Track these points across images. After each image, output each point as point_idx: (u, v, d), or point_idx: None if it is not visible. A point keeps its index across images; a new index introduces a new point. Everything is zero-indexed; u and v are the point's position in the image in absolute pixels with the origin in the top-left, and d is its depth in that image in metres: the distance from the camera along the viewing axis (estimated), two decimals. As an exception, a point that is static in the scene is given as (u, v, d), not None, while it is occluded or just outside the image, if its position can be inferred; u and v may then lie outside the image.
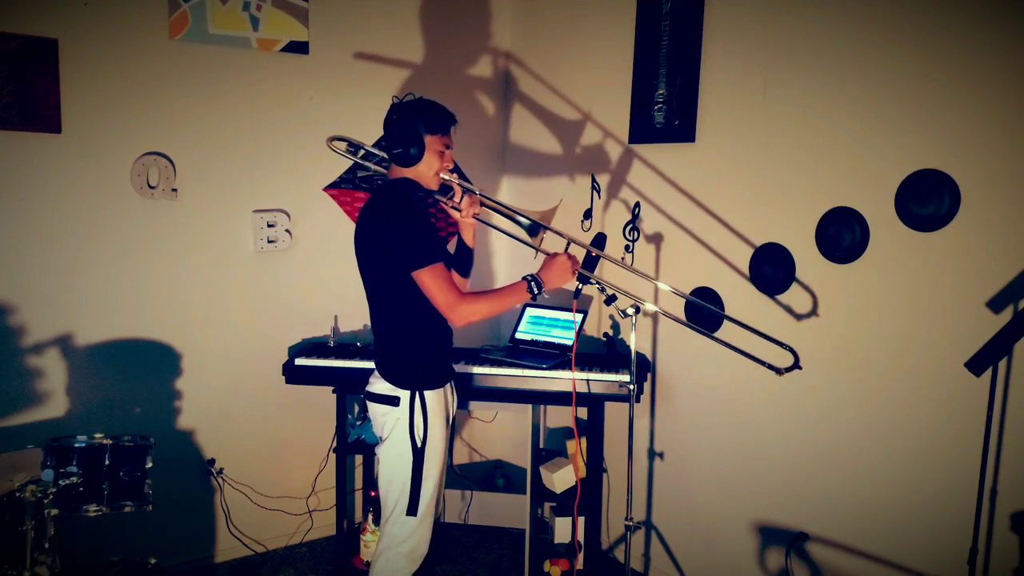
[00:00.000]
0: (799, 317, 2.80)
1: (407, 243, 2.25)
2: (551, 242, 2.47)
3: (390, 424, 2.40)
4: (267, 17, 3.30)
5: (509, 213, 2.44)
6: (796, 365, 2.38)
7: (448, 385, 2.52)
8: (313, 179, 3.50)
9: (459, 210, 2.48)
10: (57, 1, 2.87)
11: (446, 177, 2.40)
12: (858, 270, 2.62)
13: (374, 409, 2.45)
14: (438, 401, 2.43)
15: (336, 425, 3.38)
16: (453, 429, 2.57)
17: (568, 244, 2.43)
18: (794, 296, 2.82)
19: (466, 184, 2.47)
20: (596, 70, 3.48)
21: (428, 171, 2.37)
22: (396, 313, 2.38)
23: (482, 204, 2.49)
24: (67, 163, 2.95)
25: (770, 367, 2.39)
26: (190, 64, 3.15)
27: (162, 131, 3.12)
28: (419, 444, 2.38)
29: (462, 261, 2.64)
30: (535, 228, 2.40)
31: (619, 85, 3.33)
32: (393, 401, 2.39)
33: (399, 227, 2.26)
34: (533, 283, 2.34)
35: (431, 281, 2.26)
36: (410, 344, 2.41)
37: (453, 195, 2.47)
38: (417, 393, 2.38)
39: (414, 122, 2.33)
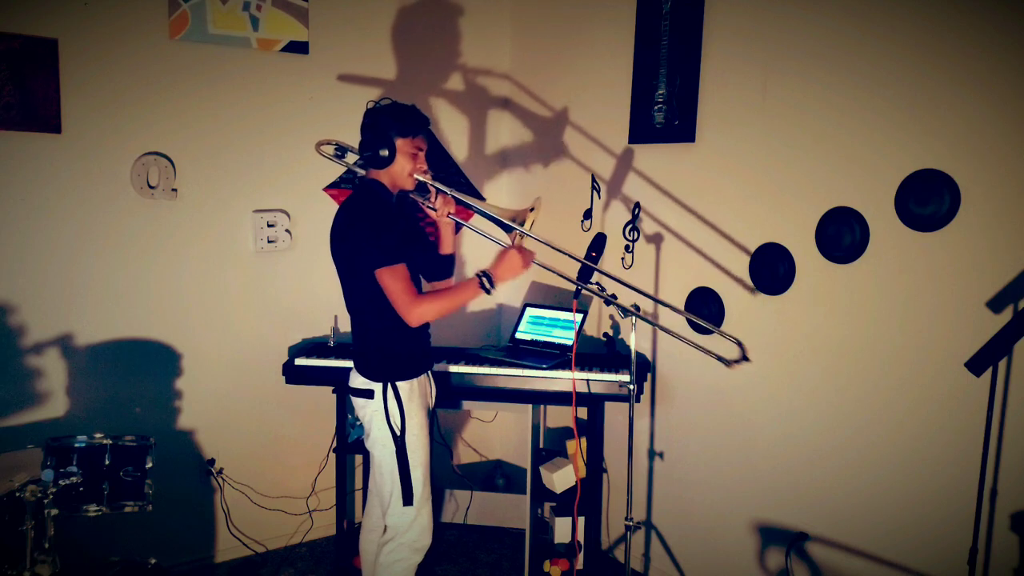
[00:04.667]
0: (799, 317, 2.80)
1: (369, 242, 2.34)
2: (544, 247, 2.47)
3: (368, 416, 2.49)
4: (267, 17, 3.30)
5: (480, 211, 2.49)
6: (744, 357, 2.42)
7: (425, 375, 2.58)
8: (313, 179, 3.50)
9: (435, 209, 2.56)
10: (57, 1, 2.87)
11: (420, 178, 2.48)
12: (858, 270, 2.62)
13: (355, 403, 2.54)
14: (412, 391, 2.49)
15: (336, 425, 3.38)
16: (434, 418, 2.62)
17: (516, 238, 2.48)
18: (794, 296, 2.81)
19: (439, 184, 2.52)
20: (596, 70, 3.48)
21: (402, 173, 2.46)
22: (367, 308, 2.47)
23: (457, 203, 2.55)
24: (67, 163, 2.95)
25: (719, 359, 2.42)
26: (190, 64, 3.15)
27: (162, 131, 3.12)
28: (398, 434, 2.45)
29: (444, 264, 2.68)
30: (507, 227, 2.45)
31: (619, 85, 3.33)
32: (368, 394, 2.47)
33: (364, 227, 2.36)
34: (485, 279, 2.41)
35: (390, 281, 2.35)
36: (380, 338, 2.48)
37: (429, 195, 2.55)
38: (389, 385, 2.46)
39: (386, 126, 2.41)
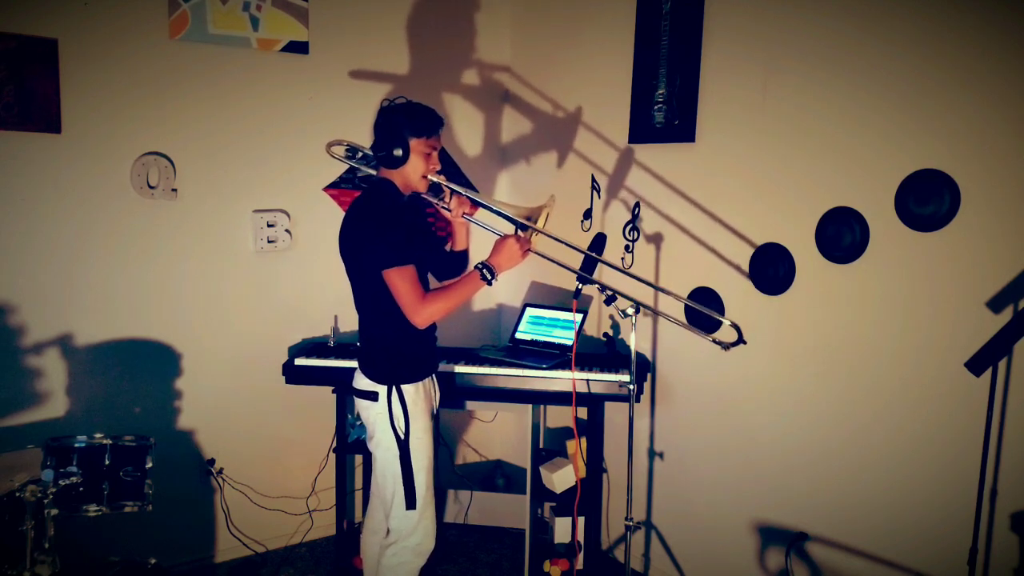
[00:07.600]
0: (799, 317, 2.80)
1: (376, 242, 2.33)
2: (545, 243, 2.47)
3: (372, 419, 2.47)
4: (267, 17, 3.30)
5: (497, 211, 2.48)
6: (740, 340, 2.41)
7: (429, 379, 2.57)
8: (313, 179, 3.50)
9: (449, 210, 2.54)
10: (57, 1, 2.87)
11: (433, 178, 2.46)
12: (858, 270, 2.62)
13: (358, 404, 2.52)
14: (417, 394, 2.48)
15: (336, 425, 3.38)
16: (437, 422, 2.62)
17: (521, 231, 2.46)
18: (794, 296, 2.81)
19: (453, 185, 2.50)
20: (596, 70, 3.48)
21: (414, 173, 2.44)
22: (374, 309, 2.45)
23: (472, 204, 2.54)
24: (67, 163, 2.95)
25: (716, 342, 2.42)
26: (190, 64, 3.15)
27: (162, 131, 3.12)
28: (402, 437, 2.44)
29: (455, 262, 2.68)
30: (523, 227, 2.43)
31: (619, 85, 3.33)
32: (373, 396, 2.45)
33: (372, 226, 2.34)
34: (485, 270, 2.39)
35: (398, 281, 2.33)
36: (387, 339, 2.47)
37: (443, 196, 2.53)
38: (394, 388, 2.44)
39: (400, 125, 2.39)
